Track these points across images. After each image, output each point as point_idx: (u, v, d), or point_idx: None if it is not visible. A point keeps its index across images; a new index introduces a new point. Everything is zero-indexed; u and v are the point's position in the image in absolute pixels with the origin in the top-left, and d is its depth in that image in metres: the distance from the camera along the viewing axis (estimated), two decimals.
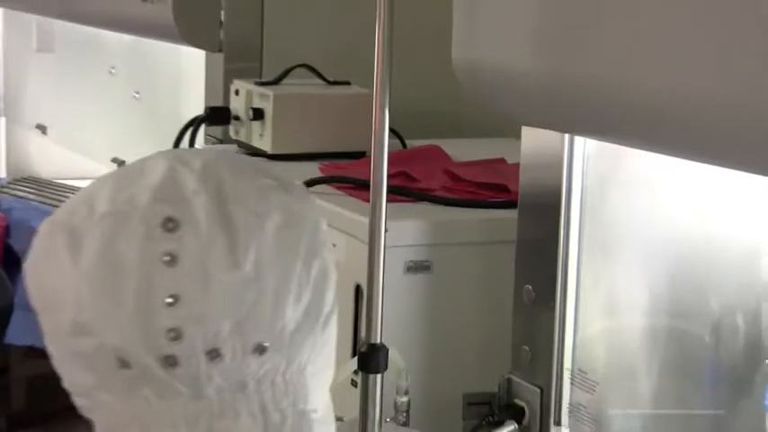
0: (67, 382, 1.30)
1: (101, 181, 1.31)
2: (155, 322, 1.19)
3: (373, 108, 2.21)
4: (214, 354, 1.21)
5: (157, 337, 1.19)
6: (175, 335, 1.18)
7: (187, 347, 1.20)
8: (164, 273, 1.18)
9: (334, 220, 2.03)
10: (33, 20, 5.48)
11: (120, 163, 5.07)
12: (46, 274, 1.32)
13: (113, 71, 5.18)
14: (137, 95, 5.02)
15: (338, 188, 2.58)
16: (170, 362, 1.20)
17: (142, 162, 1.31)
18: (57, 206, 4.30)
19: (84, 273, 1.23)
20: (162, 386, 1.21)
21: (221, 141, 3.31)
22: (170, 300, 1.18)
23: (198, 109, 3.47)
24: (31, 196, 5.24)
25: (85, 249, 1.24)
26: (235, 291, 1.21)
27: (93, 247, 1.23)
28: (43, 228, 1.34)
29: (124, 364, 1.21)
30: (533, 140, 1.99)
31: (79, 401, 1.29)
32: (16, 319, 4.49)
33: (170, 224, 1.20)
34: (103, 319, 1.22)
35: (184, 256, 1.19)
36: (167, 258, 1.19)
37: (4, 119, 5.68)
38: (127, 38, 4.63)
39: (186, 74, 4.32)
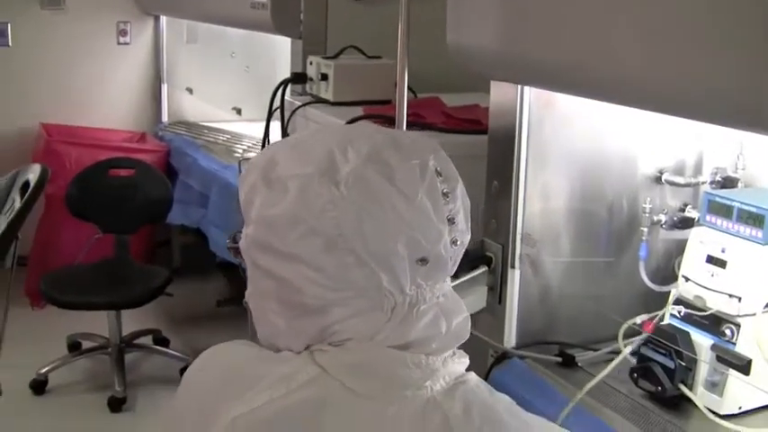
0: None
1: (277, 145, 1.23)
2: None
3: (396, 73, 2.24)
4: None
5: None
6: None
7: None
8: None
9: None
10: (184, 22, 5.48)
11: (238, 111, 5.10)
12: (243, 191, 1.19)
13: (233, 54, 5.20)
14: (247, 68, 5.04)
15: (375, 122, 2.59)
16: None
17: (314, 137, 1.21)
18: (198, 138, 4.29)
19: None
20: None
21: (300, 95, 3.32)
22: None
23: (285, 74, 3.51)
24: (183, 132, 5.29)
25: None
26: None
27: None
28: (248, 166, 1.24)
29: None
30: (498, 91, 1.99)
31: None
32: (175, 208, 4.54)
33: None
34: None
35: None
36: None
37: (166, 84, 5.67)
38: (242, 31, 4.63)
39: (278, 53, 4.34)
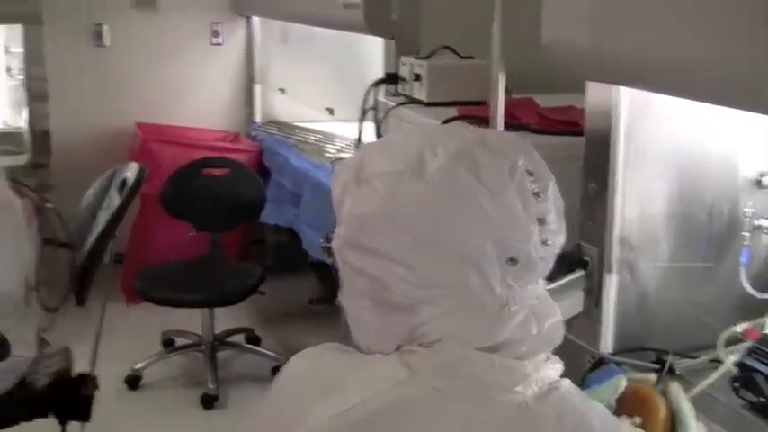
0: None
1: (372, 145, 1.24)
2: None
3: (492, 74, 2.23)
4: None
5: None
6: None
7: None
8: None
9: None
10: (276, 23, 5.52)
11: (331, 111, 5.13)
12: (335, 191, 1.21)
13: (324, 53, 5.23)
14: (338, 68, 5.06)
15: (469, 122, 2.57)
16: None
17: (404, 137, 1.24)
18: (290, 138, 4.32)
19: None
20: None
21: (393, 95, 3.32)
22: None
23: (377, 75, 3.52)
24: (276, 132, 5.33)
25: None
26: None
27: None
28: (341, 166, 1.26)
29: None
30: (594, 92, 1.97)
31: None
32: (268, 207, 4.58)
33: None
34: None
35: None
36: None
37: (259, 85, 5.72)
38: (334, 32, 4.64)
39: (369, 53, 4.35)
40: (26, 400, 2.46)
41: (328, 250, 1.25)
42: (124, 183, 2.52)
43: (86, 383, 2.58)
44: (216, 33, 5.65)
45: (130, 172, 2.52)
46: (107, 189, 2.61)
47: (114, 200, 2.50)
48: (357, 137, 3.32)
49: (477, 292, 1.12)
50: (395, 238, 1.13)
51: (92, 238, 2.48)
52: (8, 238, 2.34)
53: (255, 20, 5.67)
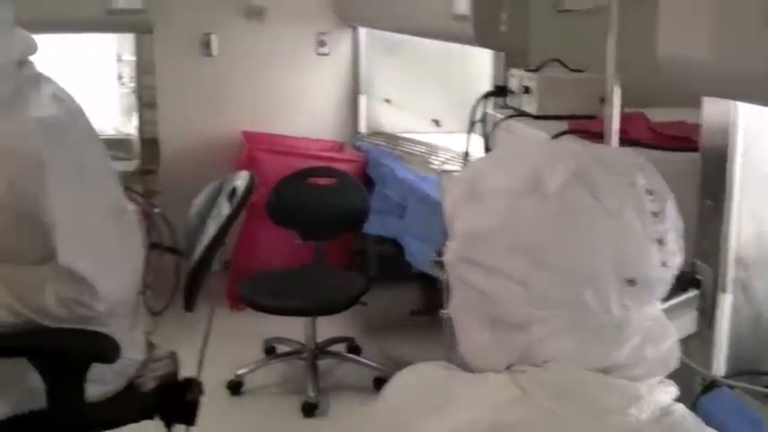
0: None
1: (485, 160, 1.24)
2: None
3: (603, 87, 2.20)
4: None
5: None
6: None
7: None
8: None
9: None
10: (382, 34, 5.54)
11: (437, 123, 5.14)
12: (447, 205, 1.22)
13: (429, 64, 5.23)
14: (445, 79, 5.06)
15: (581, 137, 2.55)
16: None
17: (520, 152, 1.23)
18: (395, 149, 4.31)
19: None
20: None
21: (502, 108, 3.31)
22: None
23: (483, 86, 3.51)
24: (381, 143, 5.35)
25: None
26: None
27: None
28: (453, 180, 1.25)
29: None
30: (711, 107, 1.93)
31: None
32: (372, 218, 4.60)
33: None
34: None
35: None
36: None
37: (364, 95, 5.75)
38: (440, 43, 4.64)
39: (475, 65, 4.34)
40: (133, 403, 2.52)
41: (440, 264, 1.24)
42: (234, 191, 2.55)
43: (192, 388, 2.63)
44: (322, 43, 5.69)
45: (240, 181, 2.55)
46: (217, 197, 2.65)
47: (224, 208, 2.54)
48: (464, 149, 3.31)
49: (593, 312, 1.11)
50: (509, 256, 1.12)
51: (201, 246, 2.52)
52: (125, 242, 2.40)
53: (362, 30, 5.70)
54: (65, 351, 2.30)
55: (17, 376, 2.33)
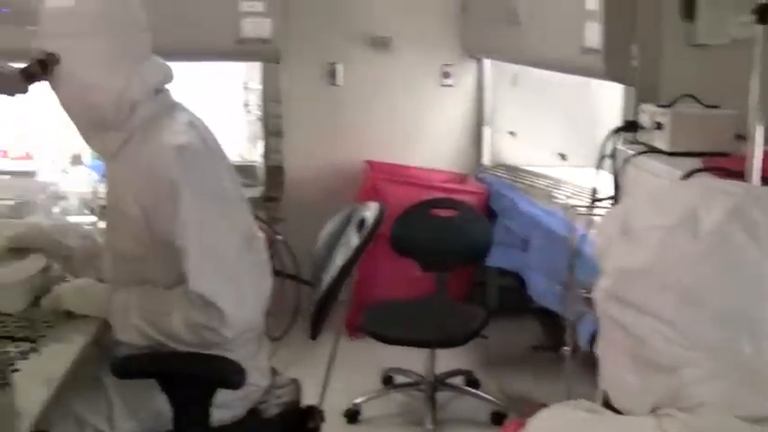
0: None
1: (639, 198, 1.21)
2: None
3: (749, 125, 2.15)
4: None
5: None
6: None
7: None
8: None
9: None
10: (508, 66, 5.51)
11: (563, 156, 5.09)
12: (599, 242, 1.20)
13: (554, 97, 5.20)
14: (571, 112, 5.02)
15: (715, 175, 2.49)
16: None
17: (675, 189, 1.21)
18: (518, 182, 4.28)
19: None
20: None
21: (631, 143, 3.25)
22: None
23: (609, 121, 3.46)
24: (503, 175, 5.33)
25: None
26: None
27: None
28: (605, 217, 1.24)
29: None
30: None
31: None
32: (494, 250, 4.57)
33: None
34: None
35: None
36: None
37: (488, 127, 5.73)
38: (565, 76, 4.59)
39: (600, 99, 4.29)
40: (256, 429, 2.53)
41: (588, 301, 1.22)
42: (363, 222, 2.56)
43: (314, 416, 2.64)
44: (447, 75, 5.69)
45: (370, 212, 2.56)
46: (345, 227, 2.66)
47: (352, 239, 2.54)
48: (592, 185, 3.27)
49: (748, 357, 1.07)
50: (662, 295, 1.09)
51: (329, 276, 2.53)
52: (254, 269, 2.43)
53: (486, 62, 5.69)
54: (193, 375, 2.33)
55: (146, 397, 2.38)
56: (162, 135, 2.35)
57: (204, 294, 2.24)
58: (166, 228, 2.30)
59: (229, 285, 2.28)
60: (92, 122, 2.41)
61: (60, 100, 2.42)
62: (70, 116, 2.44)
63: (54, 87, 2.40)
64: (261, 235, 2.51)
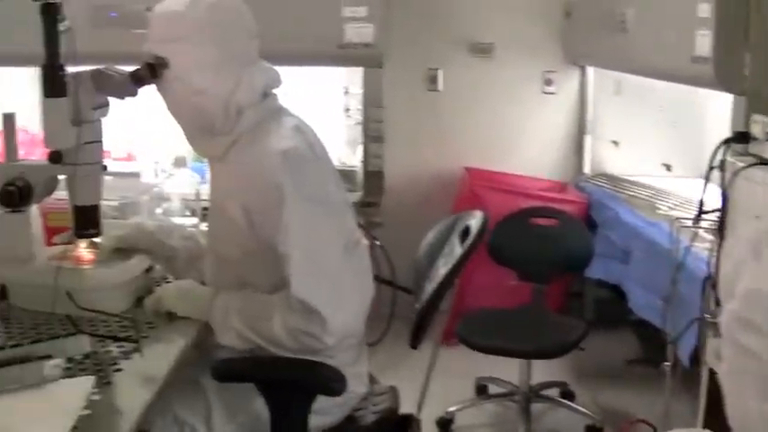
0: None
1: None
2: None
3: None
4: None
5: None
6: None
7: None
8: None
9: None
10: (611, 74, 5.43)
11: (668, 167, 4.99)
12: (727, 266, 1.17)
13: (659, 106, 5.11)
14: (675, 123, 4.93)
15: None
16: None
17: None
18: (620, 192, 4.22)
19: None
20: None
21: (741, 155, 3.15)
22: None
23: (716, 131, 3.37)
24: (604, 185, 5.25)
25: None
26: None
27: None
28: (733, 239, 1.20)
29: None
30: None
31: None
32: (594, 261, 4.50)
33: None
34: None
35: None
36: None
37: (589, 135, 5.65)
38: (670, 84, 4.50)
39: (707, 109, 4.19)
40: None
41: (712, 325, 1.18)
42: (467, 231, 2.53)
43: (411, 425, 2.61)
44: (549, 82, 5.63)
45: (474, 220, 2.53)
46: (448, 235, 2.63)
47: (456, 248, 2.51)
48: (699, 197, 3.18)
49: None
50: None
51: (432, 285, 2.50)
52: (357, 276, 2.41)
53: (589, 70, 5.61)
54: (293, 381, 2.32)
55: (245, 401, 2.38)
56: (268, 139, 2.35)
57: (306, 300, 2.23)
58: (270, 232, 2.29)
59: (331, 292, 2.27)
60: (199, 126, 2.43)
61: (167, 104, 2.44)
62: (177, 120, 2.46)
63: (162, 91, 2.42)
64: (365, 242, 2.49)
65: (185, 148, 4.15)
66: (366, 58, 4.63)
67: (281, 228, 2.26)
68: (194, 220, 3.51)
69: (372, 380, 2.67)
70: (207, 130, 2.41)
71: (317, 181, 2.36)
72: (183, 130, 2.49)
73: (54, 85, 2.37)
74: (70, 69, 2.40)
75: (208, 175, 4.27)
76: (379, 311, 4.02)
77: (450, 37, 5.59)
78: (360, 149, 5.31)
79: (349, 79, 5.37)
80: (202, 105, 2.36)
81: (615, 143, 5.50)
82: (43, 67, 2.39)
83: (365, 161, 5.27)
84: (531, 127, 5.66)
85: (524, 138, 5.66)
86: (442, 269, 2.50)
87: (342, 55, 4.53)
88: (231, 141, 2.40)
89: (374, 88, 5.27)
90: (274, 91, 2.51)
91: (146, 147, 4.80)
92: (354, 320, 2.39)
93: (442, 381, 4.36)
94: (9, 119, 2.61)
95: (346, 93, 5.42)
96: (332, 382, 2.26)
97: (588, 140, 5.63)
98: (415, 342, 2.53)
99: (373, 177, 5.24)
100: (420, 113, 5.59)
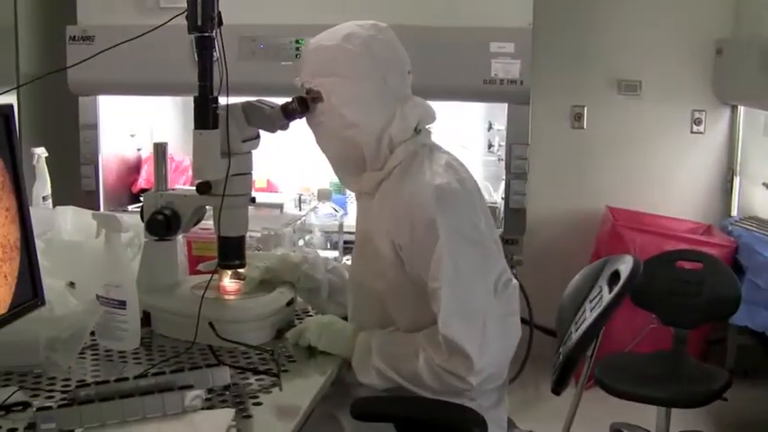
0: None
1: None
2: None
3: None
4: None
5: None
6: None
7: None
8: None
9: None
10: (762, 113, 5.22)
11: None
12: None
13: None
14: None
15: None
16: None
17: None
18: None
19: None
20: None
21: None
22: None
23: None
24: (754, 228, 5.04)
25: None
26: None
27: None
28: None
29: None
30: None
31: None
32: (741, 308, 4.32)
33: None
34: None
35: None
36: None
37: (738, 177, 5.45)
38: None
39: None
40: None
41: None
42: (616, 275, 2.43)
43: None
44: (698, 122, 5.47)
45: (624, 265, 2.43)
46: (596, 278, 2.54)
47: (604, 293, 2.42)
48: None
49: None
50: None
51: (579, 330, 2.41)
52: (505, 316, 2.33)
53: (741, 109, 5.42)
54: (432, 422, 2.25)
55: None
56: (421, 175, 2.30)
57: (452, 338, 2.17)
58: (419, 268, 2.25)
59: (480, 332, 2.20)
60: (349, 160, 2.40)
61: (317, 137, 2.42)
62: (326, 153, 2.44)
63: (312, 125, 2.40)
64: (515, 282, 2.41)
65: (329, 180, 4.16)
66: (512, 94, 4.56)
67: (433, 264, 2.21)
68: (335, 254, 3.48)
69: (511, 423, 2.59)
70: (357, 164, 2.39)
71: (469, 218, 2.30)
72: (331, 164, 2.46)
73: (206, 117, 2.37)
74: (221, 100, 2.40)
75: (350, 208, 4.30)
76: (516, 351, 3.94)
77: (596, 74, 5.50)
78: (502, 186, 5.23)
79: (492, 115, 5.30)
80: (354, 139, 2.34)
81: (766, 185, 5.29)
82: (196, 100, 2.39)
83: (507, 197, 5.18)
84: (676, 167, 5.51)
85: (669, 178, 5.51)
86: (589, 313, 2.40)
87: (488, 90, 4.47)
88: (382, 177, 2.36)
89: (519, 125, 5.16)
90: (428, 127, 2.46)
91: (287, 178, 4.82)
92: (499, 362, 2.31)
93: (576, 424, 4.25)
94: (160, 148, 2.62)
95: (489, 129, 5.35)
96: (473, 425, 2.18)
97: (737, 182, 5.44)
98: (558, 387, 2.44)
99: (515, 214, 5.14)
100: (564, 151, 5.51)
